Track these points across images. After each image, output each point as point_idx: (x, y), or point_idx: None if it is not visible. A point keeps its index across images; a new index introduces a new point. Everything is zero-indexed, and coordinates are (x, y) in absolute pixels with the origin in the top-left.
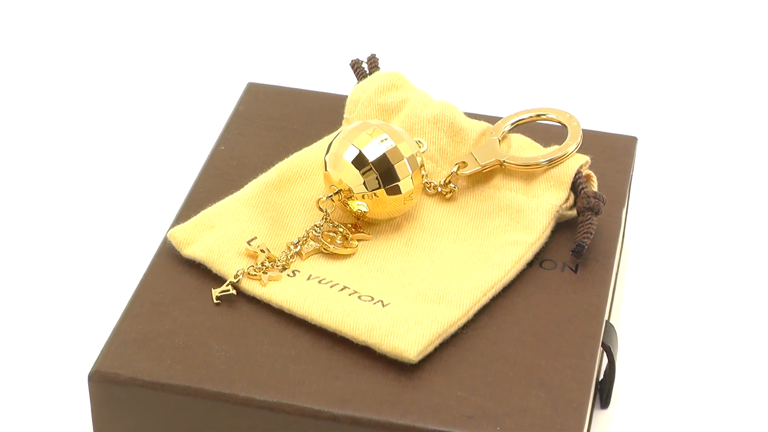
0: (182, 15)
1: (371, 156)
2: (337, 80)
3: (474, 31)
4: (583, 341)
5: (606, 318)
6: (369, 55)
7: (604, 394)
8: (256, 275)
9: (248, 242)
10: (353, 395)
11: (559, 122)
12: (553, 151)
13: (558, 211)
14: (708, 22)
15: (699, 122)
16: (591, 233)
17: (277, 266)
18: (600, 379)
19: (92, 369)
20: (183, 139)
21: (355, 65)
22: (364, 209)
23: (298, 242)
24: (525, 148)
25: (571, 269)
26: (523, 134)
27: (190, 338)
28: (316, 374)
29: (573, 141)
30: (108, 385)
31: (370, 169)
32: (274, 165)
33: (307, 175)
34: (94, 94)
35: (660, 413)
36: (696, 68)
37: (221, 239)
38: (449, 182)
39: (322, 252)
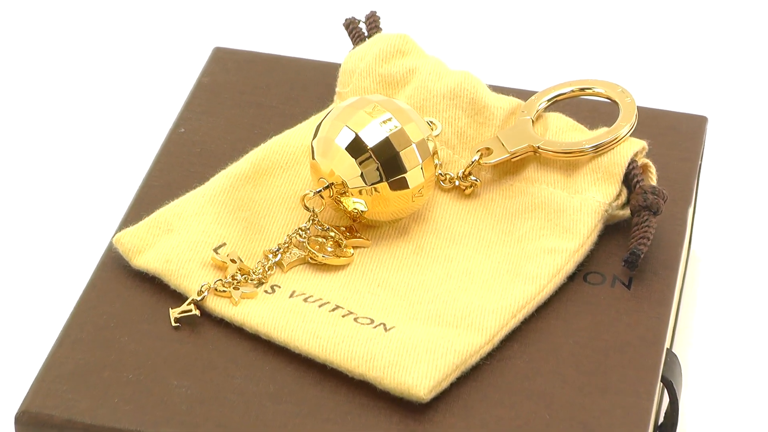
0: None
1: (371, 141)
2: (327, 44)
3: None
4: (638, 375)
5: (667, 346)
6: (368, 12)
7: None
8: (225, 291)
9: (215, 250)
10: None
11: (608, 98)
12: (601, 134)
13: (607, 211)
14: None
15: None
16: (648, 238)
17: (251, 280)
18: (659, 423)
19: (20, 409)
20: (132, 120)
21: (351, 25)
22: (361, 208)
23: (278, 250)
24: (565, 131)
25: (624, 284)
26: (563, 113)
27: (143, 371)
28: (302, 416)
29: (626, 122)
30: (39, 429)
31: (370, 157)
32: (247, 152)
33: (289, 166)
34: (20, 59)
35: None
36: None
37: (181, 246)
38: (470, 174)
39: (308, 262)
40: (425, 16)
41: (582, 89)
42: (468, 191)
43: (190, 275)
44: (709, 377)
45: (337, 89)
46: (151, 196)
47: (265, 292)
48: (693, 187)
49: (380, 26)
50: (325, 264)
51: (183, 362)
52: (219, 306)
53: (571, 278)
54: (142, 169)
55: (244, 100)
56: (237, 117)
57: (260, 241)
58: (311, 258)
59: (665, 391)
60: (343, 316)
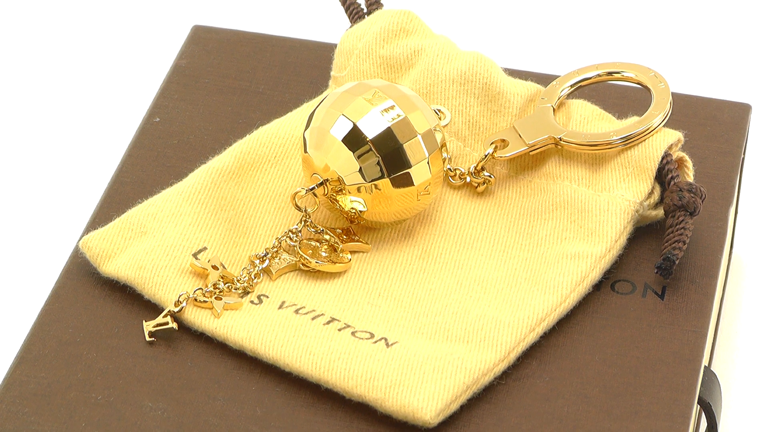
0: None
1: (371, 131)
2: (321, 22)
3: None
4: (673, 396)
5: (705, 363)
6: None
7: None
8: (206, 302)
9: (194, 255)
10: None
11: (639, 83)
12: (632, 124)
13: (637, 211)
14: None
15: None
16: (684, 242)
17: (236, 289)
18: None
19: None
20: (101, 108)
21: (348, 0)
22: (360, 208)
23: (265, 255)
24: (591, 120)
25: (656, 294)
26: (588, 100)
27: (113, 391)
28: None
29: (659, 110)
30: None
31: (369, 150)
32: (230, 144)
33: (278, 160)
34: None
35: None
36: None
37: (156, 251)
38: (482, 169)
39: (300, 269)
40: None
41: (609, 73)
42: (481, 189)
43: (166, 283)
44: (752, 399)
45: (332, 73)
46: (123, 194)
47: (251, 302)
48: (735, 183)
49: (381, 1)
50: (318, 271)
51: (158, 382)
52: (199, 318)
53: (597, 287)
54: (112, 163)
55: (226, 86)
56: (219, 104)
57: (245, 245)
58: (303, 264)
59: (702, 414)
60: (340, 330)
